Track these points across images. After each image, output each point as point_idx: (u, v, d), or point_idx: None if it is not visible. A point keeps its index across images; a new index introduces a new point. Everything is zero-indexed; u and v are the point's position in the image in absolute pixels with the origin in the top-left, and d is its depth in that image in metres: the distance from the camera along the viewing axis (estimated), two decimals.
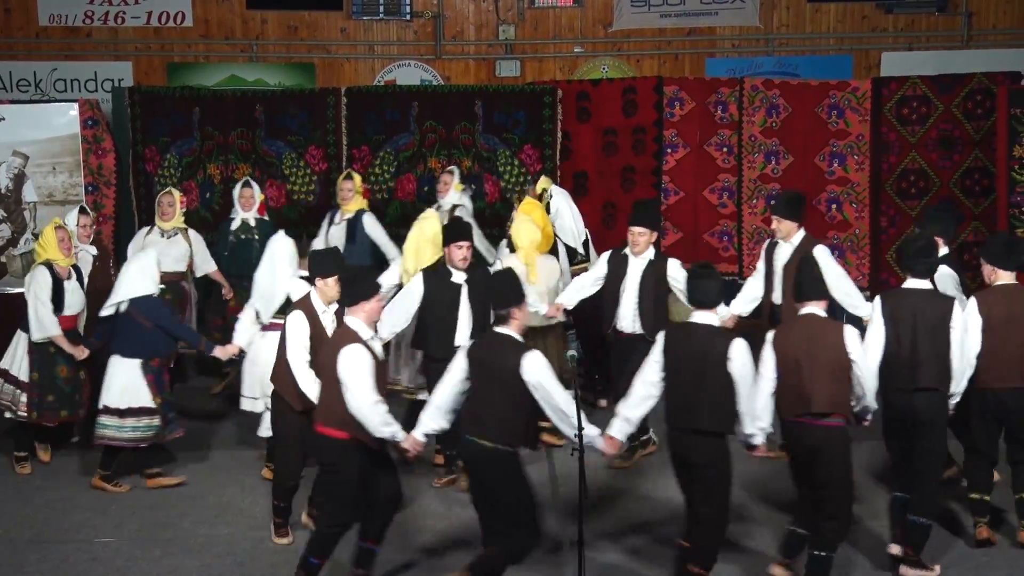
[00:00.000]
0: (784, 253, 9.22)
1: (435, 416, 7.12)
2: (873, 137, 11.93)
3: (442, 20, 14.54)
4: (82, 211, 9.96)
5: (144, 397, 8.89)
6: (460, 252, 8.68)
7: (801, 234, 9.20)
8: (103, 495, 8.99)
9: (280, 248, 8.88)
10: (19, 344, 9.36)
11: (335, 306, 7.84)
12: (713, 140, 12.32)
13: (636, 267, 9.28)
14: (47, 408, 9.27)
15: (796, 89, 12.20)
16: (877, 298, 7.82)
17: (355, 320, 7.12)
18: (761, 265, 9.48)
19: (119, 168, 11.95)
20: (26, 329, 9.26)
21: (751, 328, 8.57)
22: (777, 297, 9.25)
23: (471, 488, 7.28)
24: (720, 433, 6.97)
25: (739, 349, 6.89)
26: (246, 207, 11.12)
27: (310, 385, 7.61)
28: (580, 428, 6.82)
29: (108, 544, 8.20)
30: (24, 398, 9.27)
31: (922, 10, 14.23)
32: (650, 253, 9.32)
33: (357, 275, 7.57)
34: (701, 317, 7.08)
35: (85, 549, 8.12)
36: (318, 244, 11.29)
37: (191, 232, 10.93)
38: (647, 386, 7.13)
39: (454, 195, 11.11)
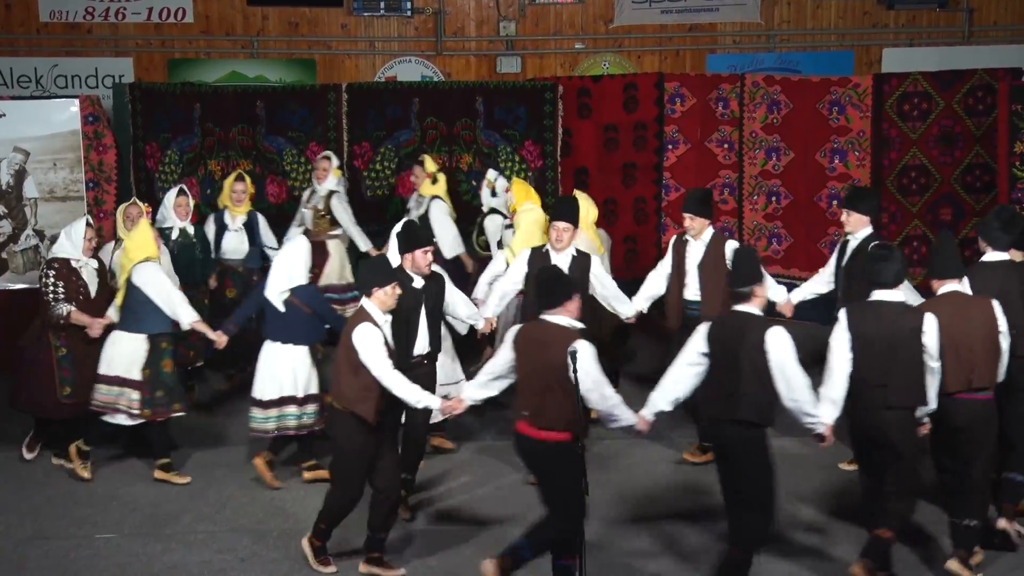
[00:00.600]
0: (696, 250, 9.30)
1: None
2: (874, 133, 11.92)
3: (443, 16, 14.53)
4: (88, 224, 9.81)
5: (312, 383, 8.99)
6: (426, 258, 8.33)
7: (711, 231, 9.33)
8: (104, 492, 8.99)
9: (298, 250, 9.04)
10: (116, 345, 9.16)
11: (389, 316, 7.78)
12: (714, 136, 12.32)
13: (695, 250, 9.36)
14: (158, 404, 9.17)
15: (797, 85, 12.20)
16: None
17: (370, 305, 7.42)
18: (668, 261, 9.47)
19: (120, 164, 11.96)
20: (130, 328, 9.11)
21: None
22: (690, 293, 9.30)
23: (724, 479, 7.17)
24: (911, 407, 7.15)
25: (931, 322, 7.12)
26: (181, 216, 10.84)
27: (407, 388, 7.42)
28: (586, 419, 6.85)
29: (109, 540, 8.21)
30: (136, 396, 9.13)
31: (923, 6, 14.22)
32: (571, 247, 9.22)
33: (374, 263, 7.82)
34: (885, 295, 7.20)
35: (86, 545, 8.13)
36: (295, 229, 11.41)
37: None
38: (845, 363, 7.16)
39: (332, 180, 11.38)
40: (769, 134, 12.17)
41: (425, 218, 11.14)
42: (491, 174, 11.29)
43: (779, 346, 6.81)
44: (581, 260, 9.10)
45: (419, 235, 8.31)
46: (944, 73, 11.97)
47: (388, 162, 12.32)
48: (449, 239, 11.21)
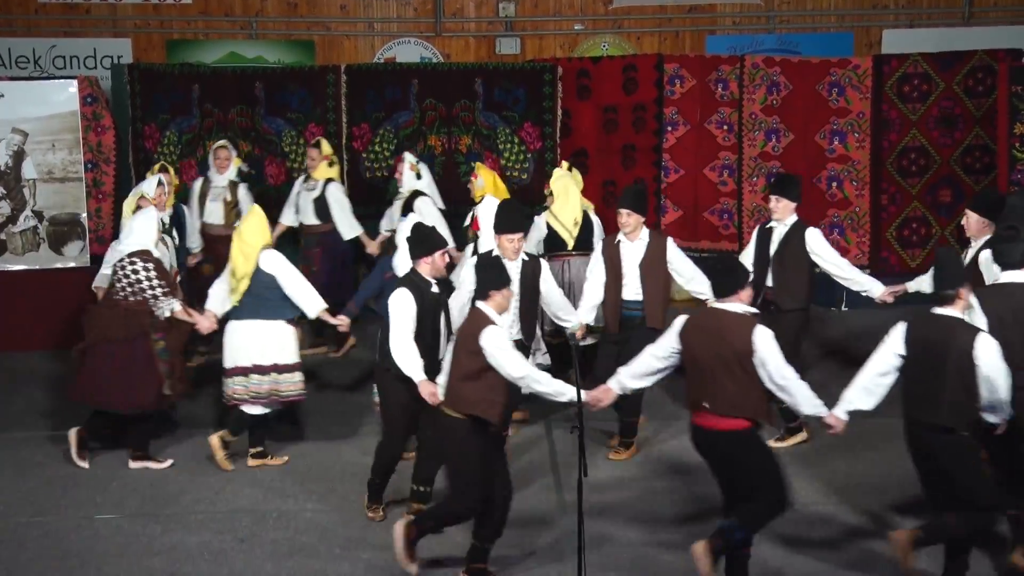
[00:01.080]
0: (635, 250, 9.29)
1: None
2: (874, 115, 11.91)
3: None
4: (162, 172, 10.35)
5: None
6: (444, 260, 8.24)
7: (646, 229, 9.35)
8: (103, 473, 9.00)
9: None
10: (252, 334, 9.09)
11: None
12: (713, 118, 12.29)
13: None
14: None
15: (797, 67, 12.17)
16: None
17: (486, 307, 7.24)
18: (600, 266, 9.39)
19: (119, 145, 11.95)
20: (261, 315, 9.08)
21: None
22: (629, 293, 9.26)
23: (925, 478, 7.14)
24: None
25: None
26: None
27: (550, 383, 7.28)
28: (580, 405, 6.86)
29: (109, 521, 8.23)
30: (299, 377, 9.15)
31: None
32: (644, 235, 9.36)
33: (489, 265, 7.63)
34: (1014, 276, 7.32)
35: (86, 526, 8.14)
36: (288, 212, 11.39)
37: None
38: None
39: (233, 170, 11.36)
40: (769, 116, 12.15)
41: (321, 200, 11.23)
42: (410, 157, 11.25)
43: (989, 354, 6.75)
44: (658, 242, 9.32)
45: (435, 238, 8.09)
46: (944, 54, 11.95)
47: (387, 144, 12.30)
48: (348, 221, 11.37)
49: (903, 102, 11.83)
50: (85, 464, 9.12)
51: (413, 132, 12.30)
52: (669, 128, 12.34)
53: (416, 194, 10.94)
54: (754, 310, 7.12)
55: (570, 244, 10.15)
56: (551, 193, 10.31)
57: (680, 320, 7.16)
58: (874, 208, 11.95)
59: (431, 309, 7.94)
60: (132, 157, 12.06)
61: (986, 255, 8.25)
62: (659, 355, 7.21)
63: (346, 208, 11.36)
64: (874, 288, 9.38)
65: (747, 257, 9.55)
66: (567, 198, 10.19)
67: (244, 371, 9.01)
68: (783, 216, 9.42)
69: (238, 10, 14.44)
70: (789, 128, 12.10)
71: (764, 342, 6.79)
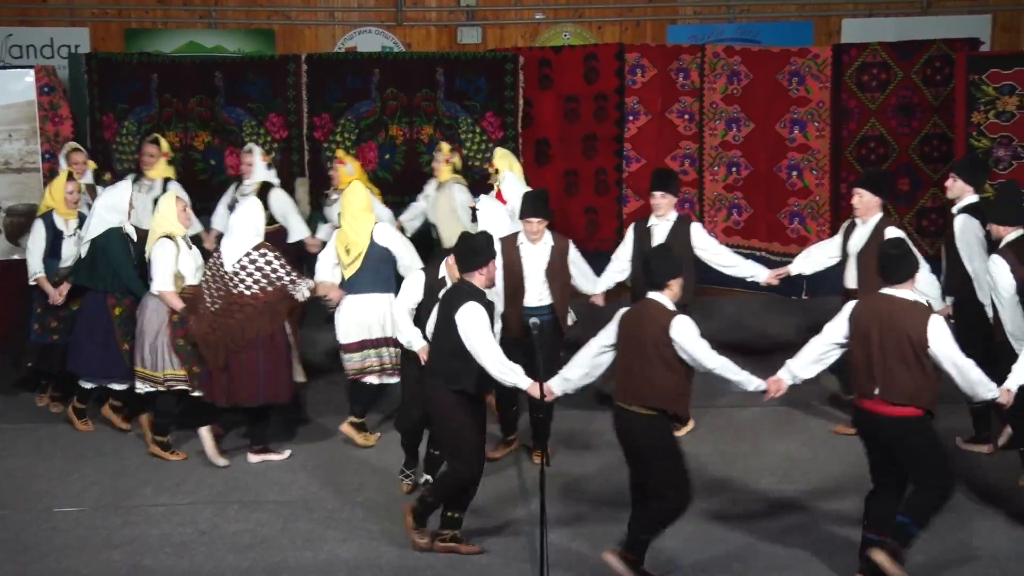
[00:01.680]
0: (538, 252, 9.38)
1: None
2: (833, 104, 11.95)
3: None
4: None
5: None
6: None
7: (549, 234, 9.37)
8: (63, 465, 8.96)
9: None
10: (369, 308, 9.28)
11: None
12: (675, 107, 12.31)
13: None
14: None
15: (757, 56, 12.21)
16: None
17: (663, 297, 7.16)
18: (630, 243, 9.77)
19: (77, 135, 11.85)
20: (379, 289, 9.27)
21: None
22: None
23: None
24: None
25: None
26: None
27: (739, 372, 7.23)
28: (542, 396, 6.88)
29: (69, 514, 8.19)
30: (395, 350, 9.20)
31: None
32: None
33: (666, 255, 7.44)
34: None
35: (45, 519, 8.11)
36: (220, 215, 11.32)
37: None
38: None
39: (89, 174, 11.10)
40: (729, 105, 12.18)
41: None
42: (256, 149, 11.30)
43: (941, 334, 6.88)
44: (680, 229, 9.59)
45: (491, 247, 7.82)
46: (903, 43, 12.01)
47: (348, 133, 12.26)
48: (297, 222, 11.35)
49: (862, 91, 11.89)
50: (224, 462, 9.08)
51: (374, 122, 12.27)
52: (630, 117, 12.36)
53: (266, 186, 11.06)
54: (921, 298, 7.18)
55: None
56: (497, 171, 10.37)
57: (851, 304, 7.20)
58: (834, 197, 12.00)
59: (491, 318, 7.80)
60: (91, 147, 11.96)
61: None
62: (831, 341, 7.21)
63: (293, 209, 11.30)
64: (759, 272, 9.73)
65: (623, 254, 9.66)
66: (519, 175, 10.33)
67: (363, 345, 9.23)
68: (666, 212, 9.68)
69: None
70: (750, 117, 12.14)
71: (938, 331, 6.82)
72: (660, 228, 9.69)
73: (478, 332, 7.32)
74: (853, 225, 9.60)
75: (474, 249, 7.59)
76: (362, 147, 12.24)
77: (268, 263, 9.05)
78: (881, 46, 11.95)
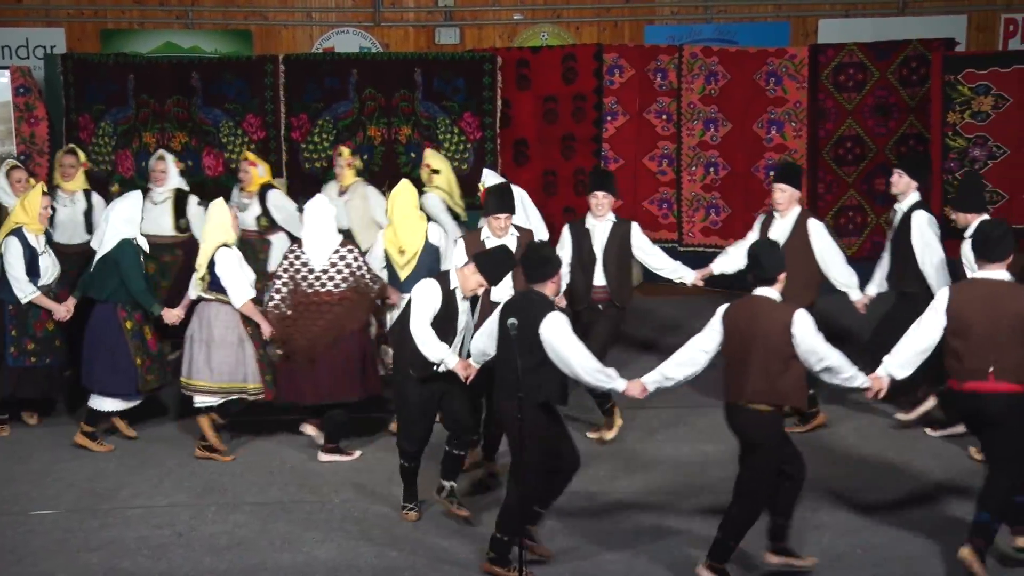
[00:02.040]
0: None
1: None
2: (810, 104, 12.00)
3: None
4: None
5: None
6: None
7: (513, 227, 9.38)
8: (40, 468, 8.92)
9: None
10: None
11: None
12: (652, 107, 12.34)
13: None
14: None
15: (734, 56, 12.25)
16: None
17: (771, 291, 7.16)
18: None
19: (52, 136, 11.83)
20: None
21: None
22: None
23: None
24: None
25: None
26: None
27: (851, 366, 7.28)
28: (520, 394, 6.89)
29: (45, 516, 8.16)
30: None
31: None
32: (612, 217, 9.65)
33: (772, 250, 7.38)
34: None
35: (21, 522, 8.07)
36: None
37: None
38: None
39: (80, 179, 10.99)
40: (707, 105, 12.22)
41: (89, 212, 10.86)
42: (168, 156, 11.22)
43: (804, 328, 6.98)
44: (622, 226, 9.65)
45: (557, 258, 7.76)
46: (879, 44, 12.08)
47: (326, 134, 12.25)
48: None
49: (839, 91, 11.94)
50: (354, 455, 9.19)
51: (352, 123, 12.27)
52: (608, 118, 12.38)
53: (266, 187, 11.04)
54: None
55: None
56: (437, 171, 10.46)
57: (945, 292, 7.28)
58: (811, 197, 12.05)
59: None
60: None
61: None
62: (933, 332, 7.24)
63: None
64: (686, 275, 9.79)
65: (565, 256, 9.59)
66: (451, 174, 10.55)
67: None
68: (606, 212, 9.67)
69: None
70: (727, 117, 12.18)
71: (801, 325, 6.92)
72: (600, 228, 9.65)
73: (569, 342, 7.15)
74: (770, 219, 9.71)
75: (545, 259, 7.45)
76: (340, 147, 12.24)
77: (356, 259, 9.16)
78: (858, 46, 12.01)
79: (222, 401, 9.11)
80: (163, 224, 10.82)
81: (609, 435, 9.53)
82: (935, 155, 11.36)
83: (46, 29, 14.19)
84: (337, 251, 9.13)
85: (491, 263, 7.75)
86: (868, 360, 7.64)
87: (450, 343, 7.81)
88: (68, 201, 10.73)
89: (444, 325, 7.79)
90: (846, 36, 13.19)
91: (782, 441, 7.15)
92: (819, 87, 11.96)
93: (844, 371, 7.04)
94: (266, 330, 9.06)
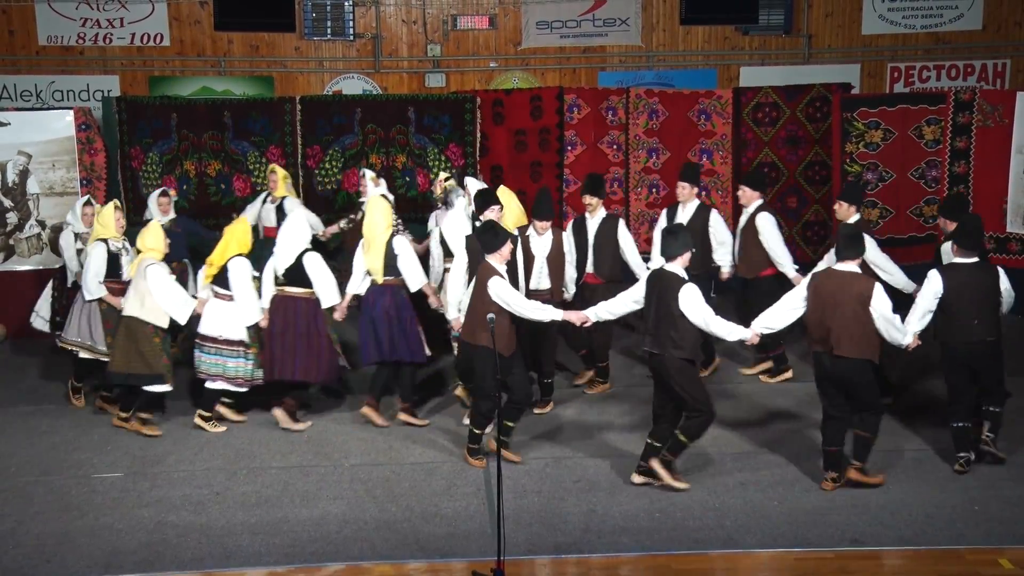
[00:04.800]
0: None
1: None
2: (734, 136, 12.05)
3: (380, 40, 14.41)
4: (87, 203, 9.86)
5: None
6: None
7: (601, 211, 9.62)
8: (100, 439, 8.86)
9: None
10: None
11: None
12: (605, 139, 12.36)
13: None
14: None
15: (672, 97, 12.28)
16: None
17: (851, 266, 7.55)
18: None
19: (109, 165, 11.75)
20: None
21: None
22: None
23: None
24: None
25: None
26: (165, 212, 10.62)
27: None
28: (500, 380, 6.89)
29: (104, 479, 8.11)
30: None
31: (771, 33, 14.37)
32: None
33: (858, 235, 7.67)
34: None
35: (85, 484, 8.02)
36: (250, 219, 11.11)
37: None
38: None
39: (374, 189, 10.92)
40: (650, 137, 12.24)
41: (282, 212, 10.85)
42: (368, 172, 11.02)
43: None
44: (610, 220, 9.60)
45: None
46: (789, 87, 12.15)
47: (335, 162, 12.22)
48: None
49: (757, 126, 11.99)
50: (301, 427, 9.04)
51: (357, 152, 12.24)
52: (569, 148, 12.39)
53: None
54: None
55: None
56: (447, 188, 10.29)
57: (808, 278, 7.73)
58: (735, 213, 12.07)
59: None
60: (120, 175, 11.87)
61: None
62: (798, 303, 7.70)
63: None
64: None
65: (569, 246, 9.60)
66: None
67: None
68: (686, 199, 9.75)
69: (209, 51, 14.27)
70: (666, 147, 12.21)
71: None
72: (591, 223, 9.62)
73: (702, 308, 7.42)
74: (674, 210, 9.83)
75: (678, 238, 7.62)
76: (347, 172, 12.22)
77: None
78: (772, 89, 12.07)
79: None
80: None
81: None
82: (836, 179, 11.43)
83: (103, 76, 14.12)
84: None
85: (670, 240, 7.71)
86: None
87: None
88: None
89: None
90: (762, 80, 13.25)
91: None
92: (741, 122, 12.01)
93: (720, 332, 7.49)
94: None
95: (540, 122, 12.36)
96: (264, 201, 11.30)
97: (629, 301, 7.84)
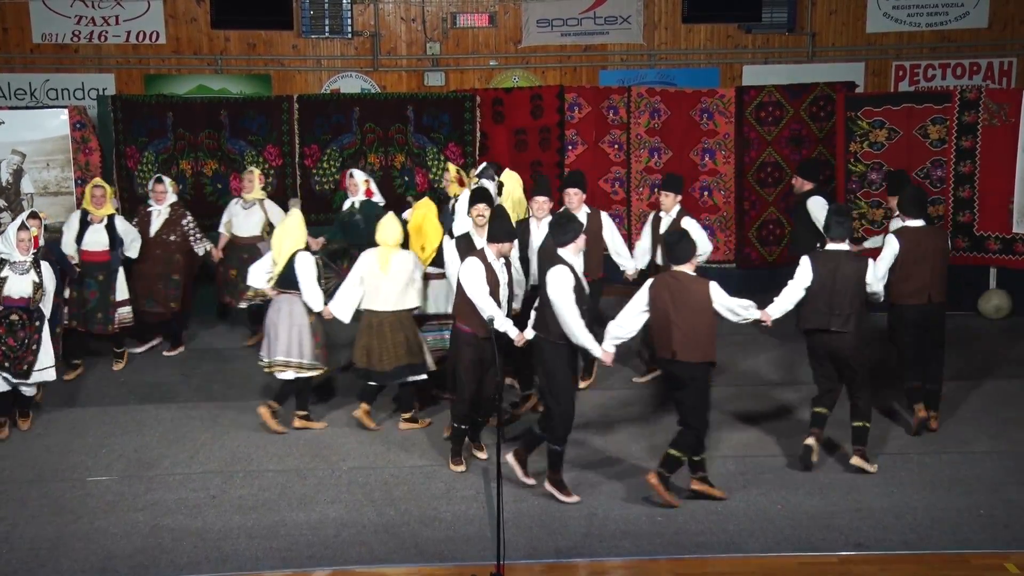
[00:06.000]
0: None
1: None
2: (737, 136, 12.05)
3: (378, 38, 14.41)
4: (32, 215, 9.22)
5: None
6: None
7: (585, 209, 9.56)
8: (94, 442, 8.86)
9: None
10: None
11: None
12: (606, 138, 12.36)
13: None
14: None
15: (674, 96, 12.28)
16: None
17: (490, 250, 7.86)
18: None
19: (104, 164, 11.75)
20: None
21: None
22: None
23: None
24: None
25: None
26: (353, 193, 10.68)
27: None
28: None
29: (99, 482, 8.11)
30: None
31: (775, 31, 14.37)
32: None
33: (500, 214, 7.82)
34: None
35: (79, 487, 8.02)
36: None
37: (267, 203, 10.96)
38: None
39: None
40: (651, 136, 12.24)
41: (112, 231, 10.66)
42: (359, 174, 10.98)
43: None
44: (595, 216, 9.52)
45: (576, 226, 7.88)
46: (793, 86, 12.14)
47: (333, 161, 12.21)
48: None
49: (760, 125, 11.99)
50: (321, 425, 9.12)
51: (355, 152, 12.23)
52: (570, 147, 12.39)
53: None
54: None
55: None
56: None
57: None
58: (738, 213, 12.10)
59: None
60: (115, 174, 11.85)
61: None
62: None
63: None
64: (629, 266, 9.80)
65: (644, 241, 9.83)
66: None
67: None
68: (669, 208, 9.62)
69: (205, 49, 14.28)
70: (668, 147, 12.20)
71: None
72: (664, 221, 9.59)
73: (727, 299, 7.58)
74: (658, 218, 9.73)
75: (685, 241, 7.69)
76: (344, 173, 12.19)
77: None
78: (775, 88, 12.06)
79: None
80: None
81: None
82: (840, 178, 11.43)
83: (98, 75, 14.13)
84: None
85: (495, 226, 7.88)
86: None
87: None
88: (247, 205, 10.90)
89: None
90: (766, 79, 13.24)
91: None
92: (744, 121, 12.01)
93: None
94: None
95: (540, 121, 12.37)
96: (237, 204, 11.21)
97: (637, 313, 7.70)
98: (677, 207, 9.63)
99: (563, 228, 7.65)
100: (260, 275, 9.05)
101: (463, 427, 8.19)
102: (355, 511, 7.61)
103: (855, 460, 7.94)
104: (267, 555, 7.03)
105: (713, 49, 14.43)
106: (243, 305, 10.67)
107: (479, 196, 8.94)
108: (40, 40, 14.06)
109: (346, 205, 10.81)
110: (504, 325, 7.78)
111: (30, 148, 11.44)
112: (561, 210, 8.85)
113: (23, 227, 8.86)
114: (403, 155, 12.25)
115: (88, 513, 7.61)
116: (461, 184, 9.93)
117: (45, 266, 8.96)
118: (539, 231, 9.03)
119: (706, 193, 12.14)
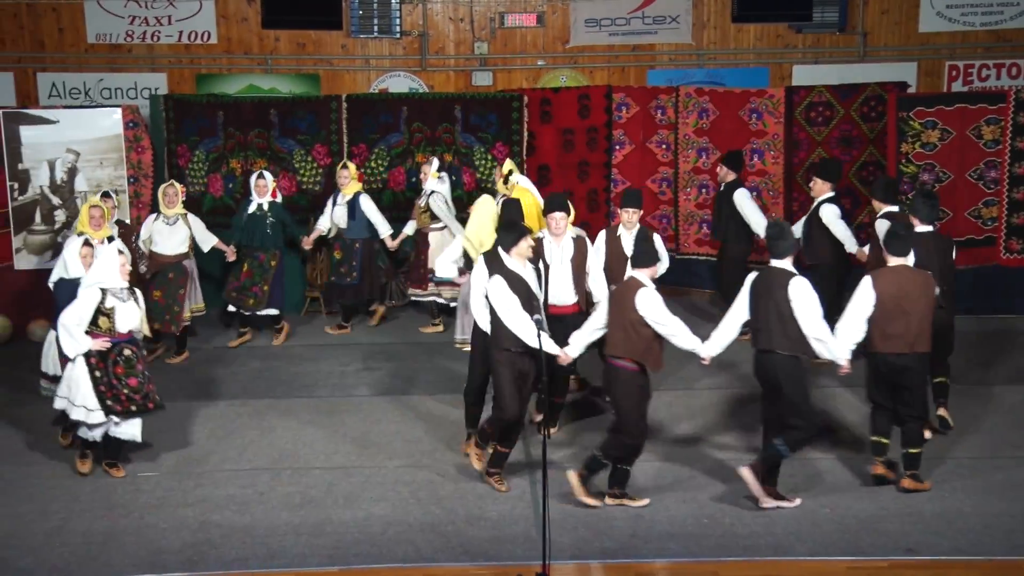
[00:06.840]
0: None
1: None
2: (786, 136, 11.96)
3: (427, 38, 14.45)
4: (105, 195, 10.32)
5: None
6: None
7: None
8: (145, 438, 8.88)
9: None
10: None
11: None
12: (654, 138, 12.33)
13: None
14: None
15: (722, 96, 12.22)
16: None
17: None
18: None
19: (155, 163, 11.89)
20: None
21: None
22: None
23: None
24: None
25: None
26: (261, 194, 11.04)
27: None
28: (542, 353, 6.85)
29: (150, 478, 8.20)
30: None
31: (826, 30, 14.24)
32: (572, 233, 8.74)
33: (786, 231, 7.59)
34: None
35: (131, 482, 8.11)
36: (324, 221, 11.33)
37: (190, 217, 10.83)
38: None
39: (432, 182, 11.20)
40: (699, 137, 12.19)
41: (354, 211, 11.30)
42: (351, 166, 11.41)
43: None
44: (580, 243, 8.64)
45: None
46: (843, 86, 12.03)
47: (381, 160, 12.27)
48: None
49: (810, 125, 11.89)
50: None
51: (403, 151, 12.28)
52: (617, 147, 12.38)
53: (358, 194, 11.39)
54: None
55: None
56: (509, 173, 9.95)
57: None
58: (787, 213, 12.01)
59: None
60: (167, 173, 12.00)
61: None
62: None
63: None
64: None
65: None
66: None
67: None
68: (631, 224, 9.15)
69: (256, 49, 14.39)
70: (716, 147, 12.14)
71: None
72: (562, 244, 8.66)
73: (815, 305, 7.34)
74: (615, 231, 9.28)
75: (784, 237, 7.52)
76: (393, 171, 12.26)
77: None
78: (826, 88, 11.96)
79: None
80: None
81: None
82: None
83: (151, 74, 14.28)
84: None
85: (778, 239, 7.61)
86: None
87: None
88: (170, 221, 10.70)
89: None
90: (816, 79, 13.13)
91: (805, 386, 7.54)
92: (793, 122, 11.92)
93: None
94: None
95: (588, 121, 12.35)
96: (335, 203, 11.36)
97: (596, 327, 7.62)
98: (637, 224, 9.13)
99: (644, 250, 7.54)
100: (449, 265, 9.09)
101: (506, 451, 7.91)
102: (401, 509, 7.63)
103: (907, 483, 7.67)
104: (313, 552, 7.07)
105: (763, 49, 14.32)
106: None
107: (555, 204, 8.50)
108: (94, 40, 14.25)
109: (251, 208, 10.99)
110: (547, 344, 7.31)
111: (84, 147, 11.60)
112: (542, 235, 8.55)
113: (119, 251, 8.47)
114: (451, 154, 12.28)
115: (138, 508, 7.70)
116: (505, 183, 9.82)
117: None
118: (557, 249, 8.52)
119: (755, 193, 12.04)
